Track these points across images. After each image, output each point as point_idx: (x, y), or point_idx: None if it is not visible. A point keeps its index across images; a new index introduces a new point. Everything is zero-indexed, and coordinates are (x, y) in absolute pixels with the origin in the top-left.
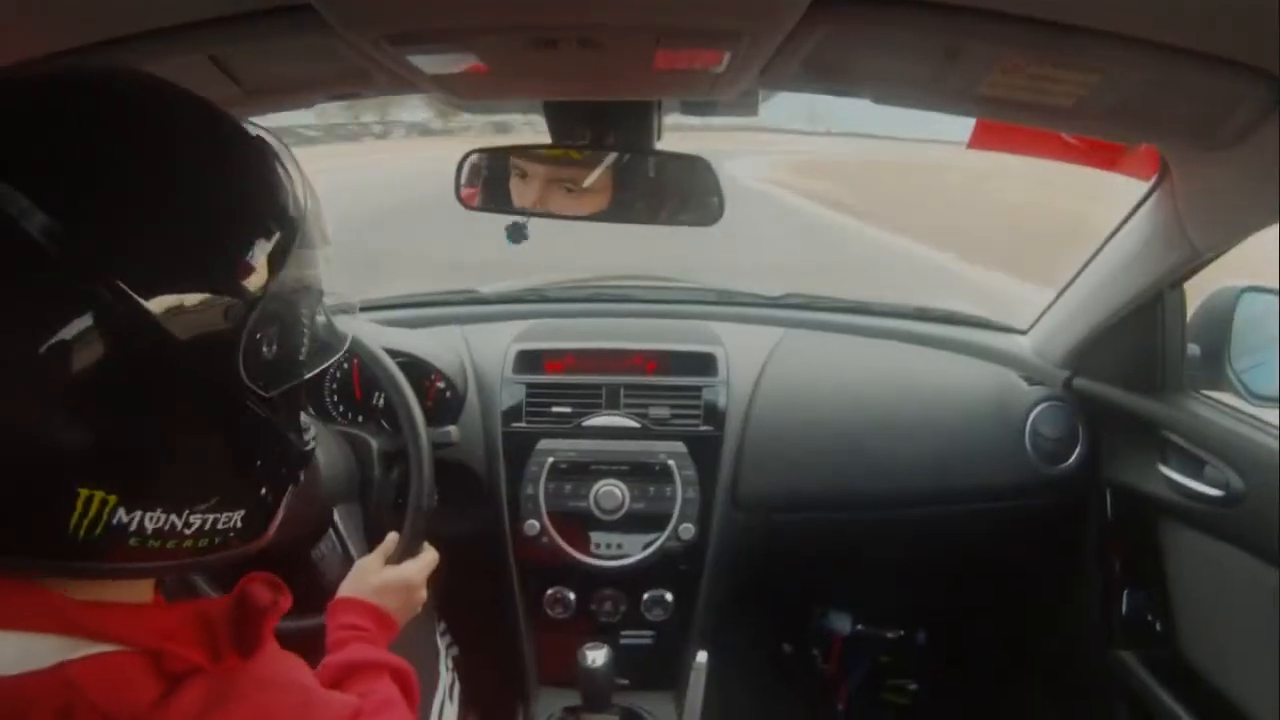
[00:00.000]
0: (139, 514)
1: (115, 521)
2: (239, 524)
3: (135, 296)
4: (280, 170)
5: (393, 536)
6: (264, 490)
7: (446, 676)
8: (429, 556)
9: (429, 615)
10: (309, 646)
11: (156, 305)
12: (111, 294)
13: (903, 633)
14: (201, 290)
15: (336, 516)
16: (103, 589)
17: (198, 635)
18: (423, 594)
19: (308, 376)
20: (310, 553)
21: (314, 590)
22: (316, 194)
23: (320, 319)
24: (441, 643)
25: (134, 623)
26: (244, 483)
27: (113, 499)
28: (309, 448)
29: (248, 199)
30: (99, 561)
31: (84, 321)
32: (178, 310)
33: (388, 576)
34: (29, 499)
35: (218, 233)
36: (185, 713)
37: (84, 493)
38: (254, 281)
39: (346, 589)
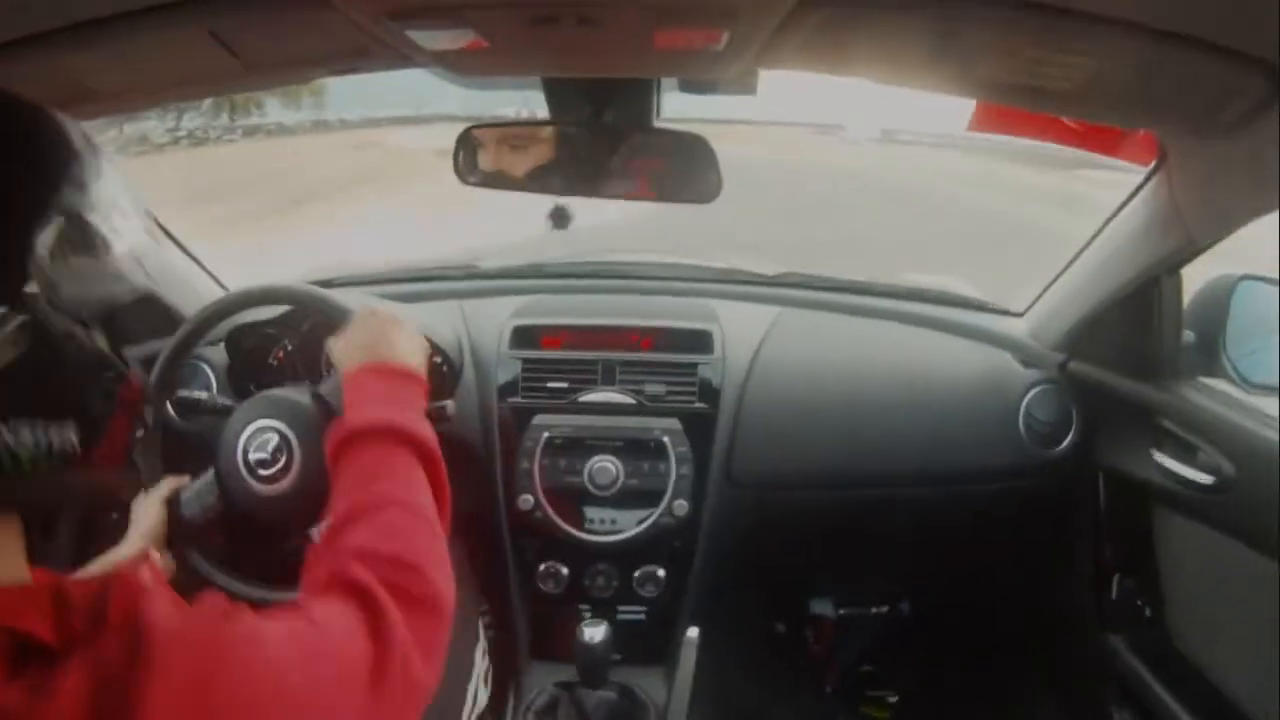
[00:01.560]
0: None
1: None
2: (74, 442)
3: None
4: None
5: None
6: (89, 408)
7: (482, 663)
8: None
9: (472, 598)
10: None
11: None
12: None
13: (886, 609)
14: None
15: None
16: None
17: (49, 612)
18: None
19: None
20: (320, 522)
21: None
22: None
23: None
24: (481, 623)
25: None
26: (63, 398)
27: None
28: (117, 367)
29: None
30: None
31: None
32: None
33: (356, 323)
34: None
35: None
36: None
37: None
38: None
39: (365, 341)
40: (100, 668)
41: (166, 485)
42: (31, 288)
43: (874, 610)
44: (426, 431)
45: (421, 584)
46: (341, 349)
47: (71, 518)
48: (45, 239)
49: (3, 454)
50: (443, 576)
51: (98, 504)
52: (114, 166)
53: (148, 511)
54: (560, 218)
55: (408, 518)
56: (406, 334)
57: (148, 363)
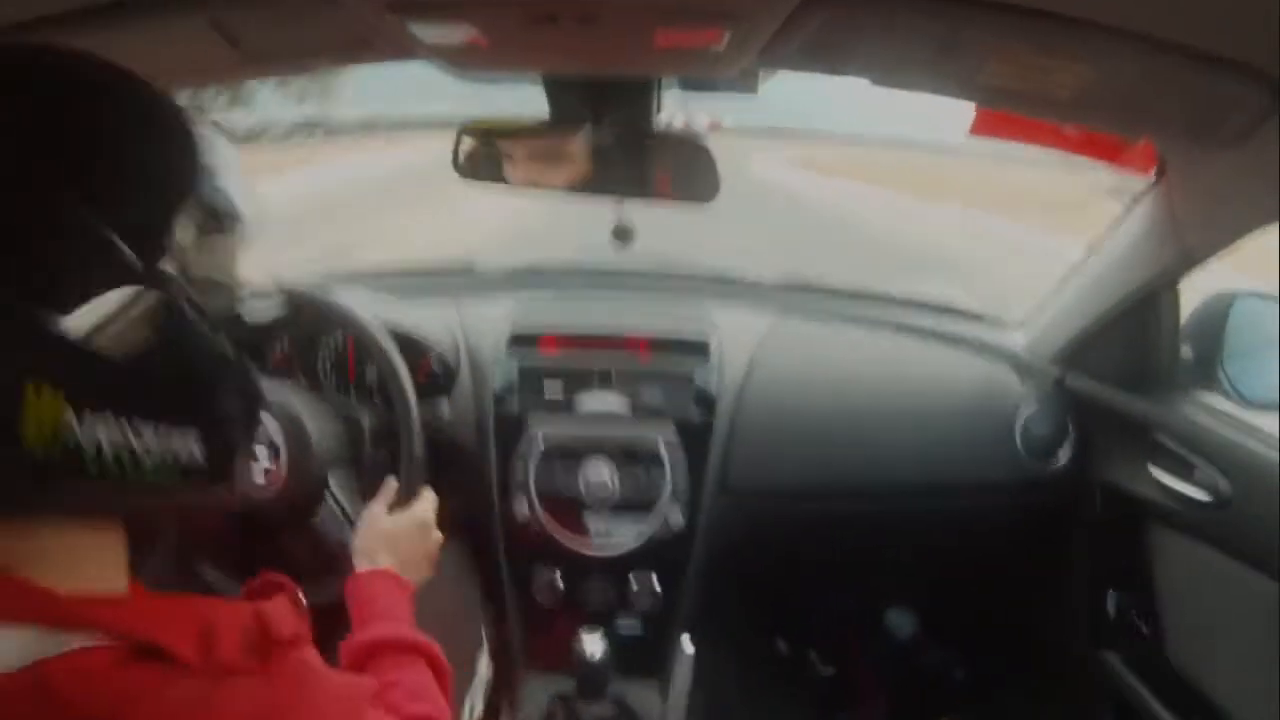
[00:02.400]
0: (88, 417)
1: (67, 432)
2: (197, 454)
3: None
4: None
5: (391, 481)
6: (215, 417)
7: (485, 672)
8: (430, 495)
9: (475, 608)
10: (318, 618)
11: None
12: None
13: (871, 620)
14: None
15: (331, 482)
16: (74, 565)
17: (192, 633)
18: (438, 533)
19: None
20: (311, 521)
21: (318, 557)
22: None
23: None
24: (485, 634)
25: (118, 612)
26: (191, 401)
27: (60, 395)
28: (254, 388)
29: (169, 173)
30: (59, 494)
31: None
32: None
33: (399, 519)
34: None
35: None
36: (170, 710)
37: (29, 389)
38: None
39: (361, 543)
40: (266, 697)
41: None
42: (168, 267)
43: (865, 622)
44: (428, 640)
45: None
46: (375, 537)
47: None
48: (184, 218)
49: (125, 455)
50: None
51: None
52: (231, 148)
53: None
54: (623, 235)
55: None
56: (429, 562)
57: None
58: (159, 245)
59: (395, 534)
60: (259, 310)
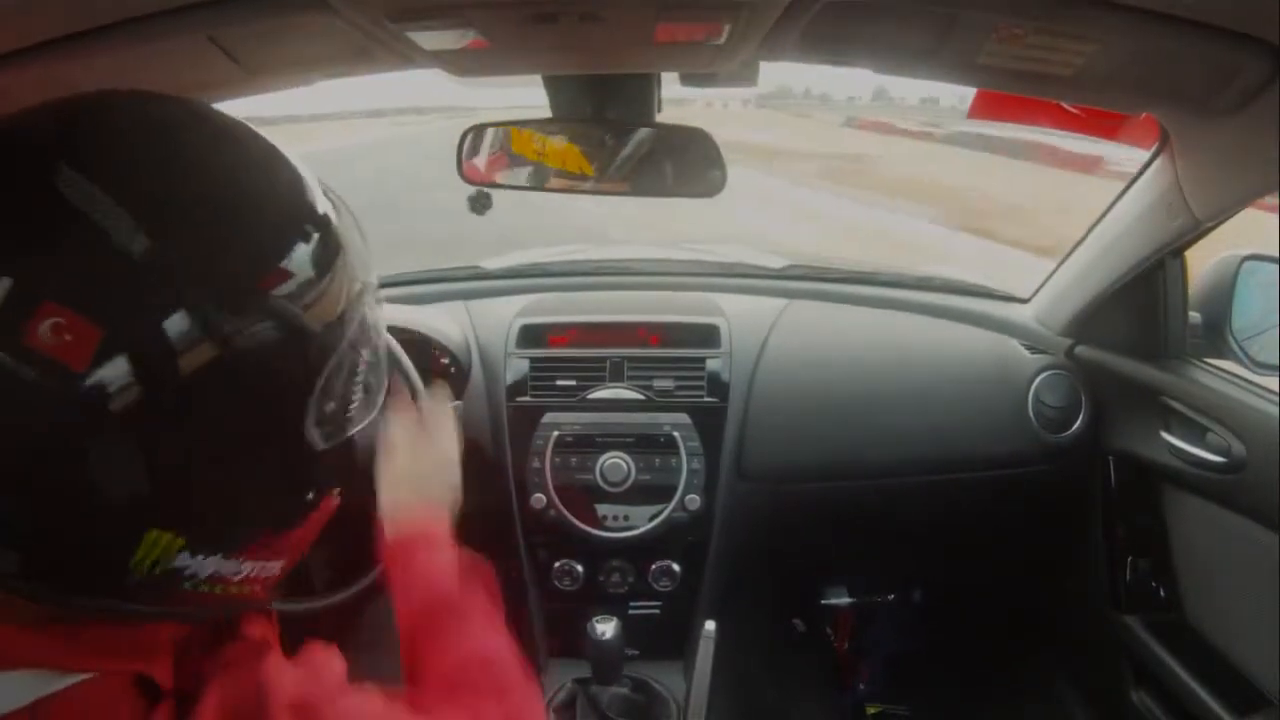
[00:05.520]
0: (201, 557)
1: (177, 564)
2: (276, 574)
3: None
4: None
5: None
6: (298, 537)
7: None
8: (437, 393)
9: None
10: (347, 618)
11: (230, 327)
12: (193, 316)
13: (895, 596)
14: (256, 313)
15: None
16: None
17: (172, 655)
18: (450, 437)
19: (354, 431)
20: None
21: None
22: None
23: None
24: None
25: (110, 644)
26: (292, 535)
27: (180, 541)
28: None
29: (291, 217)
30: (149, 604)
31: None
32: (249, 344)
33: (412, 450)
34: (93, 537)
35: (267, 252)
36: None
37: (152, 535)
38: (320, 317)
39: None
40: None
41: None
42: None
43: (887, 598)
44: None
45: None
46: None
47: None
48: (300, 255)
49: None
50: None
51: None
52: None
53: None
54: (479, 204)
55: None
56: (451, 474)
57: None
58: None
59: (411, 469)
60: None
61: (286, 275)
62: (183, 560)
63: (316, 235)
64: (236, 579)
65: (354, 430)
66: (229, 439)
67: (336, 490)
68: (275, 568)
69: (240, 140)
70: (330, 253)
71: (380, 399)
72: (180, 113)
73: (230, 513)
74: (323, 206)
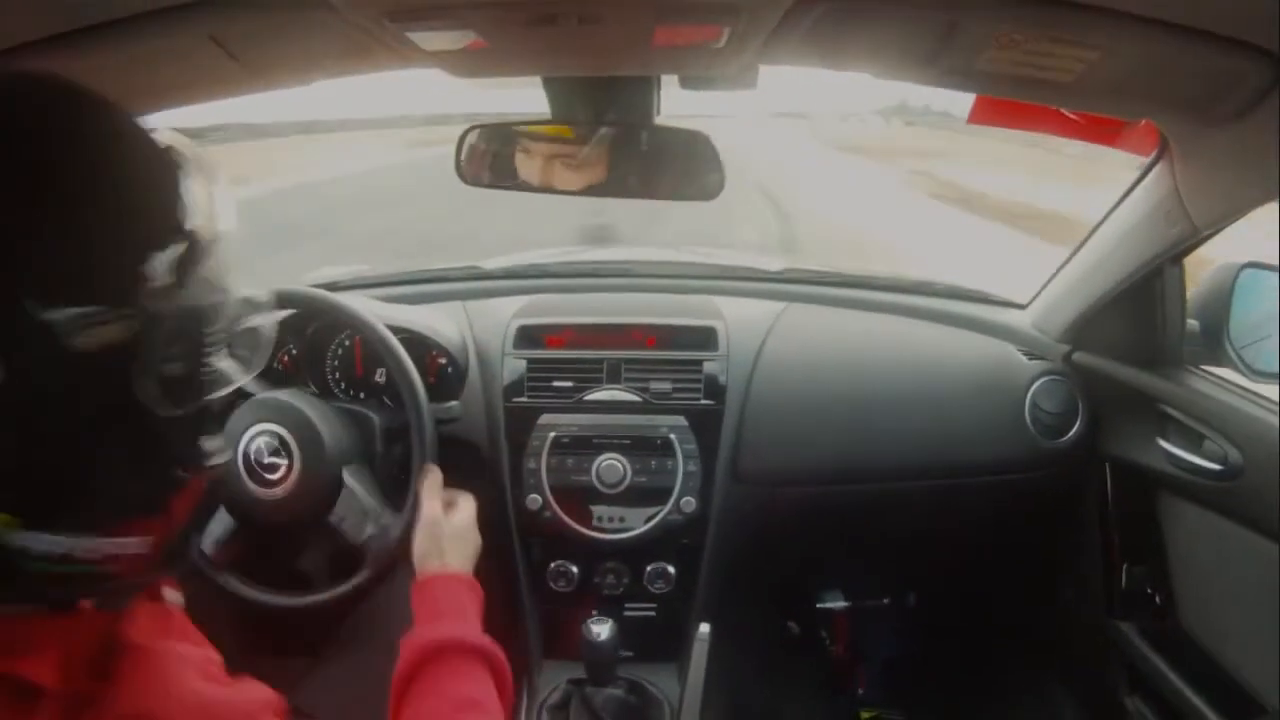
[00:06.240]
0: (36, 536)
1: (10, 544)
2: (147, 552)
3: (37, 308)
4: (185, 181)
5: (436, 477)
6: (167, 513)
7: None
8: (470, 498)
9: None
10: (345, 611)
11: (56, 316)
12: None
13: (888, 600)
14: (97, 302)
15: (347, 478)
16: None
17: (53, 657)
18: (478, 535)
19: (215, 396)
20: (329, 518)
21: (341, 555)
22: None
23: (229, 336)
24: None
25: None
26: (147, 507)
27: (15, 520)
28: (213, 467)
29: (147, 209)
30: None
31: None
32: (77, 323)
33: (456, 522)
34: None
35: (115, 242)
36: None
37: None
38: (155, 296)
39: (425, 544)
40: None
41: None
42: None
43: (882, 602)
44: (492, 643)
45: None
46: (422, 547)
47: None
48: (166, 256)
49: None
50: None
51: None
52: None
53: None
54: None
55: None
56: (472, 545)
57: None
58: (135, 279)
59: (455, 535)
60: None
61: (120, 251)
62: (24, 540)
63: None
64: (95, 558)
65: (212, 397)
66: (61, 414)
67: (209, 466)
68: (142, 545)
69: (77, 122)
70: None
71: (256, 363)
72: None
73: (72, 490)
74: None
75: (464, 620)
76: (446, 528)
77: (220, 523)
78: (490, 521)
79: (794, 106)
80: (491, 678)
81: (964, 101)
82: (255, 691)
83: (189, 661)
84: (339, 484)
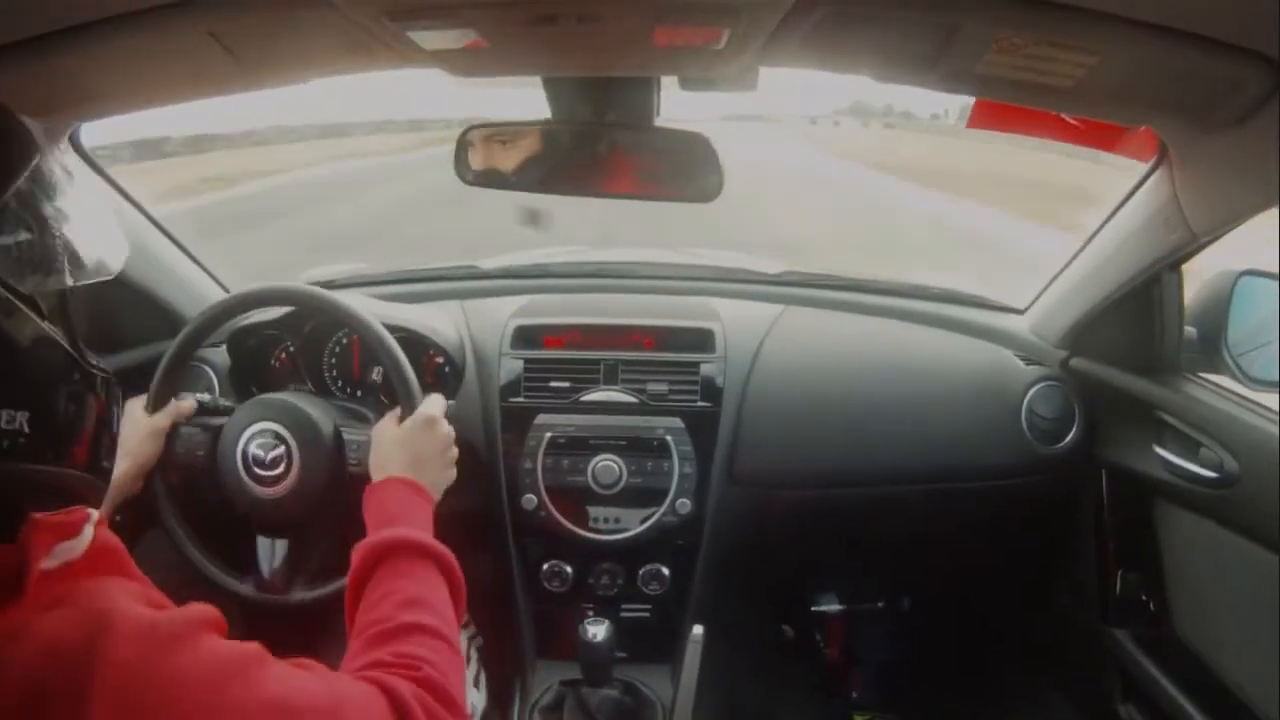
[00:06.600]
0: None
1: None
2: (24, 427)
3: None
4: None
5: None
6: (40, 396)
7: (471, 667)
8: (434, 397)
9: None
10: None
11: None
12: None
13: (881, 604)
14: None
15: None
16: None
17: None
18: (448, 428)
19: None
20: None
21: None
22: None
23: None
24: (464, 632)
25: None
26: (19, 390)
27: None
28: (94, 370)
29: None
30: None
31: None
32: None
33: (407, 426)
34: None
35: None
36: None
37: None
38: None
39: (374, 458)
40: (56, 648)
41: (166, 414)
42: None
43: (877, 606)
44: (439, 544)
45: (450, 708)
46: (386, 446)
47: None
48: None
49: None
50: (462, 696)
51: (54, 502)
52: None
53: (140, 435)
54: (533, 217)
55: (440, 644)
56: (446, 461)
57: (148, 366)
58: None
59: (406, 439)
60: (262, 312)
61: None
62: None
63: None
64: None
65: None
66: None
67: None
68: (20, 419)
69: None
70: None
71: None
72: None
73: None
74: None
75: (411, 522)
76: (394, 432)
77: (277, 549)
78: (485, 521)
79: (750, 109)
80: (441, 576)
81: (926, 102)
82: (194, 610)
83: (129, 591)
84: (339, 483)
